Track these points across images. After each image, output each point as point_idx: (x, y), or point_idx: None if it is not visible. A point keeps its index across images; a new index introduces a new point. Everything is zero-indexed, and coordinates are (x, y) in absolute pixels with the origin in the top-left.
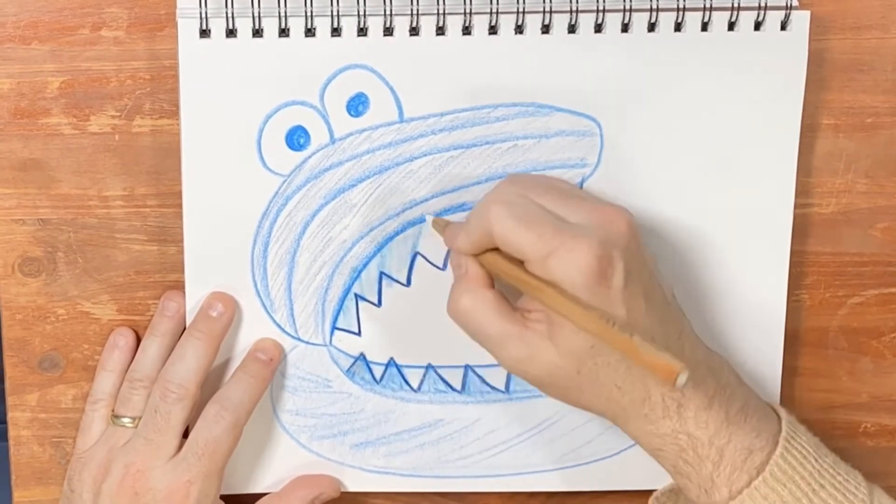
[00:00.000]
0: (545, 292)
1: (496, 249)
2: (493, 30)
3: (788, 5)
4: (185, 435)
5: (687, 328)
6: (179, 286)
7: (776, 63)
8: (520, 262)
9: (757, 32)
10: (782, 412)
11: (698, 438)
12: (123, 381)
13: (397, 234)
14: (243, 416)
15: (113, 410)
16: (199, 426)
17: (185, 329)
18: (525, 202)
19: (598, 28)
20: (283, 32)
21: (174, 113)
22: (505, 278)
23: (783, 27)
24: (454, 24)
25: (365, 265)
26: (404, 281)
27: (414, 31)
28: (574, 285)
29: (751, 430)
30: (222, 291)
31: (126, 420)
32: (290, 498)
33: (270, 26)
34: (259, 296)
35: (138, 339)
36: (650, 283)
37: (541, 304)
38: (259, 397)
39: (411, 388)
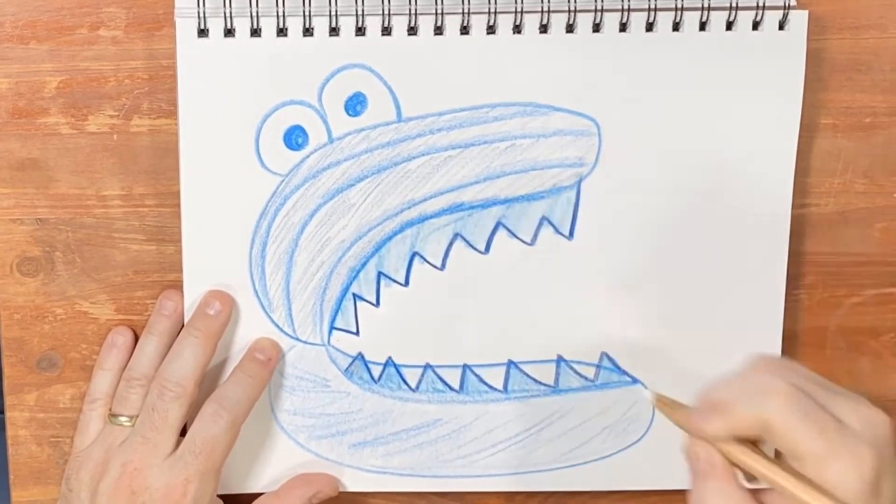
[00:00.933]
0: (806, 491)
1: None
2: (491, 29)
3: (786, 5)
4: (183, 434)
5: None
6: (178, 286)
7: (774, 63)
8: (766, 454)
9: (755, 32)
10: None
11: None
12: (121, 380)
13: (395, 234)
14: (241, 415)
15: (110, 409)
16: (197, 425)
17: (182, 328)
18: (807, 398)
19: (597, 28)
20: (282, 32)
21: (172, 112)
22: (750, 471)
23: (781, 27)
24: (452, 23)
25: (363, 265)
26: (402, 281)
27: (412, 30)
28: (852, 492)
29: None
30: (220, 290)
31: (123, 419)
32: (288, 497)
33: (268, 26)
34: (257, 295)
35: (136, 339)
36: None
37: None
38: (257, 397)
39: (409, 387)
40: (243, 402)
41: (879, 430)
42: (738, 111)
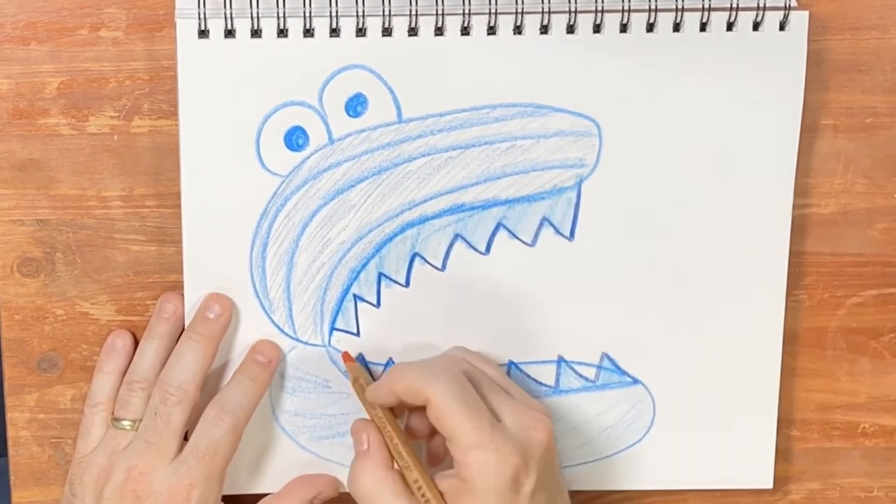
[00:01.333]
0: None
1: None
2: (491, 30)
3: (787, 5)
4: (186, 437)
5: None
6: (178, 287)
7: (775, 63)
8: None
9: (756, 33)
10: None
11: None
12: (122, 384)
13: (396, 234)
14: (243, 418)
15: (112, 413)
16: (199, 429)
17: (182, 330)
18: (470, 389)
19: (597, 28)
20: (282, 33)
21: (173, 113)
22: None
23: (782, 27)
24: (453, 24)
25: (364, 266)
26: (403, 282)
27: (413, 31)
28: (486, 485)
29: None
30: (219, 293)
31: (126, 423)
32: (290, 498)
33: (269, 27)
34: (258, 296)
35: (136, 341)
36: (554, 490)
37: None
38: (258, 399)
39: None
40: (245, 405)
41: (535, 432)
42: (738, 112)
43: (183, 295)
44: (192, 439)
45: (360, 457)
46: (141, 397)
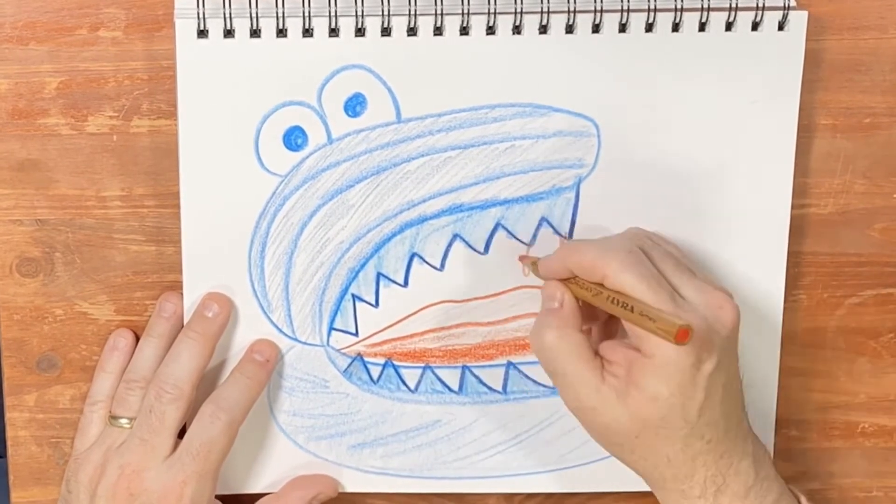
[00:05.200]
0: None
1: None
2: (490, 30)
3: (786, 6)
4: (181, 435)
5: (744, 420)
6: (177, 286)
7: (773, 63)
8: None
9: (754, 33)
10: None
11: None
12: (121, 382)
13: (395, 234)
14: (239, 416)
15: (110, 411)
16: (195, 426)
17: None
18: (648, 264)
19: (596, 28)
20: (281, 33)
21: (172, 113)
22: (589, 298)
23: (781, 27)
24: (452, 24)
25: (362, 266)
26: (401, 282)
27: (412, 31)
28: (667, 358)
29: None
30: (218, 292)
31: (123, 421)
32: (288, 498)
33: (268, 27)
34: (256, 296)
35: (138, 340)
36: (733, 373)
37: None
38: (255, 398)
39: (408, 388)
40: (241, 404)
41: (722, 312)
42: (737, 112)
43: (182, 294)
44: (186, 436)
45: (550, 313)
46: (138, 395)
